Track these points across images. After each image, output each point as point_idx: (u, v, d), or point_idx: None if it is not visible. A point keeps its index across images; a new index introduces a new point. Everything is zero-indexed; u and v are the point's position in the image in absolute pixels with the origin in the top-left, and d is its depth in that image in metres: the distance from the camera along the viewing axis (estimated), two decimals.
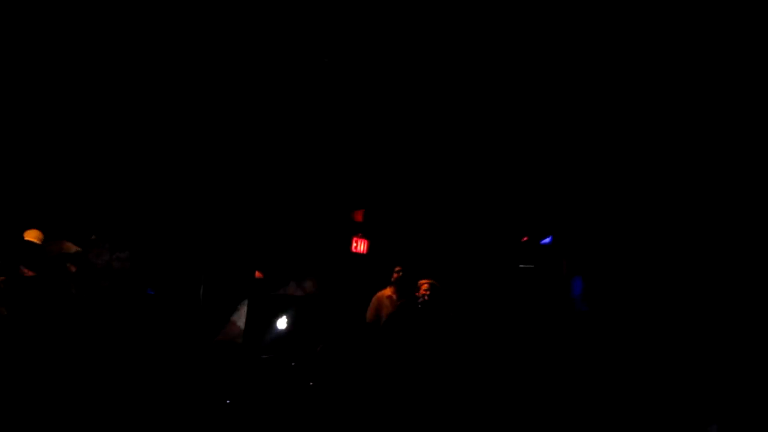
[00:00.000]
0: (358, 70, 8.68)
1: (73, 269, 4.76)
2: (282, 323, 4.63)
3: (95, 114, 8.68)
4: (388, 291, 7.62)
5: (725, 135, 8.29)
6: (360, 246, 10.76)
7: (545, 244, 7.09)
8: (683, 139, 8.49)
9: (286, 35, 7.86)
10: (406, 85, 8.88)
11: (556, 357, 5.81)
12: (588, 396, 5.38)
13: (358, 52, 8.36)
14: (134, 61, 8.12)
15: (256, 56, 8.33)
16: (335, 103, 9.15)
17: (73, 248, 4.90)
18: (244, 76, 8.60)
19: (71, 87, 8.31)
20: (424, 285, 6.06)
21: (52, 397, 3.63)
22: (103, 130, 8.80)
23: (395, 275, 7.67)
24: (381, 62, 8.46)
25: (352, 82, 8.93)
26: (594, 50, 7.75)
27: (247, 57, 8.30)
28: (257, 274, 7.24)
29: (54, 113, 8.51)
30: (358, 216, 10.50)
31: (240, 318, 4.72)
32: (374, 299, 7.59)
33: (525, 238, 7.77)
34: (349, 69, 8.60)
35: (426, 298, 5.87)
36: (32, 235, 5.73)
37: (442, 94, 8.96)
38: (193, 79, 8.49)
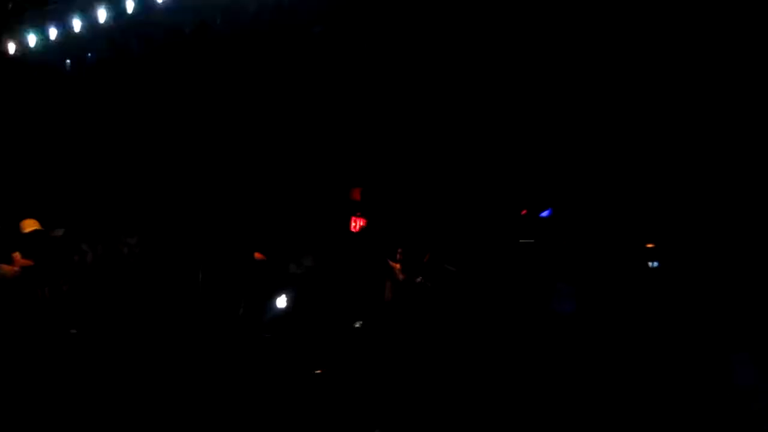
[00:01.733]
0: (355, 48, 8.62)
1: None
2: (282, 302, 4.63)
3: (97, 107, 8.68)
4: (397, 266, 7.73)
5: (726, 123, 8.26)
6: (359, 225, 10.72)
7: (544, 217, 7.07)
8: (681, 123, 8.46)
9: (281, 13, 7.81)
10: (402, 64, 8.82)
11: (553, 336, 5.83)
12: (585, 380, 5.39)
13: (354, 30, 8.30)
14: (134, 59, 8.12)
15: (253, 35, 8.28)
16: (332, 83, 9.09)
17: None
18: (241, 56, 8.54)
19: (77, 83, 8.31)
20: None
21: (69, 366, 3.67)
22: (104, 120, 8.80)
23: (398, 256, 7.79)
24: (378, 41, 8.40)
25: (348, 61, 8.87)
26: (592, 38, 7.72)
27: (244, 36, 8.24)
28: (257, 255, 7.23)
29: (59, 110, 8.51)
30: (356, 194, 10.45)
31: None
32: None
33: (524, 212, 7.75)
34: (345, 47, 8.54)
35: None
36: (30, 225, 5.69)
37: (439, 71, 8.90)
38: (190, 69, 8.46)
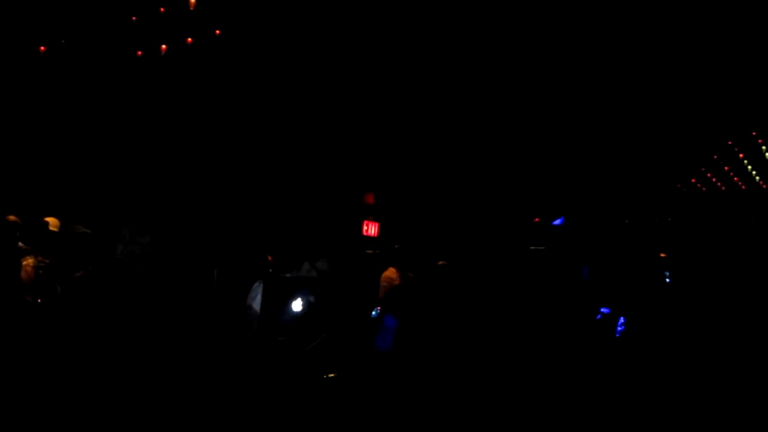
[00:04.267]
0: (370, 55, 8.66)
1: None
2: (297, 305, 4.66)
3: (114, 105, 8.75)
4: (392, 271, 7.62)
5: (726, 119, 8.25)
6: (371, 229, 10.76)
7: (557, 225, 7.07)
8: (688, 125, 8.45)
9: (295, 21, 7.86)
10: (416, 70, 8.86)
11: (563, 343, 5.82)
12: (593, 385, 5.39)
13: (369, 38, 8.34)
14: (141, 57, 8.17)
15: (267, 40, 8.33)
16: (347, 88, 9.14)
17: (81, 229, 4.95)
18: (255, 61, 8.60)
19: (85, 83, 8.38)
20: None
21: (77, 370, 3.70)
22: (120, 120, 8.87)
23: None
24: (392, 47, 8.44)
25: (363, 67, 8.91)
26: (605, 43, 7.72)
27: (257, 40, 8.30)
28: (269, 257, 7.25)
29: (73, 106, 8.58)
30: (369, 199, 10.50)
31: (255, 301, 4.74)
32: (383, 278, 7.58)
33: (537, 219, 7.77)
34: (360, 53, 8.58)
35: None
36: (52, 224, 5.75)
37: (453, 78, 8.93)
38: (203, 67, 8.51)
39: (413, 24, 8.24)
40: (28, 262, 4.96)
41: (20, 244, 4.88)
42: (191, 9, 7.49)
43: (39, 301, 5.05)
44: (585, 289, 6.95)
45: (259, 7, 7.89)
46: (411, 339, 4.84)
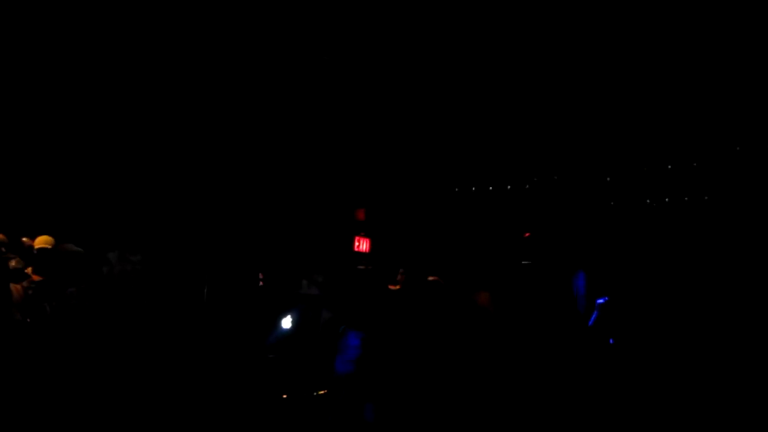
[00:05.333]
0: (359, 71, 8.70)
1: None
2: (287, 322, 4.66)
3: (101, 119, 8.72)
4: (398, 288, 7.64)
5: (725, 135, 8.32)
6: (362, 245, 10.78)
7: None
8: (683, 140, 8.53)
9: (288, 34, 7.88)
10: (406, 86, 8.91)
11: (557, 355, 5.83)
12: (588, 394, 5.39)
13: (359, 52, 8.38)
14: (137, 63, 8.16)
15: (258, 57, 8.36)
16: (336, 104, 9.17)
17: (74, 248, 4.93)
18: (247, 77, 8.62)
19: (77, 92, 8.35)
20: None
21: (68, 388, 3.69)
22: (110, 135, 8.84)
23: (400, 277, 7.68)
24: (382, 63, 8.48)
25: (352, 82, 8.95)
26: (593, 58, 7.80)
27: (249, 58, 8.32)
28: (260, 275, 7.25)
29: (59, 119, 8.55)
30: (360, 215, 10.52)
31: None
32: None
33: (527, 234, 7.78)
34: (349, 69, 8.62)
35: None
36: (43, 241, 5.73)
37: (442, 94, 8.98)
38: (196, 82, 8.52)
39: (400, 42, 8.29)
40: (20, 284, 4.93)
41: (13, 263, 4.85)
42: None
43: (28, 320, 5.02)
44: (576, 302, 6.96)
45: (234, 33, 7.92)
46: (377, 360, 4.58)
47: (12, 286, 4.82)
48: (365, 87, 8.97)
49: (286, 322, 4.77)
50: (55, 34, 7.60)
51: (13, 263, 4.76)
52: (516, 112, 8.99)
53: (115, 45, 7.86)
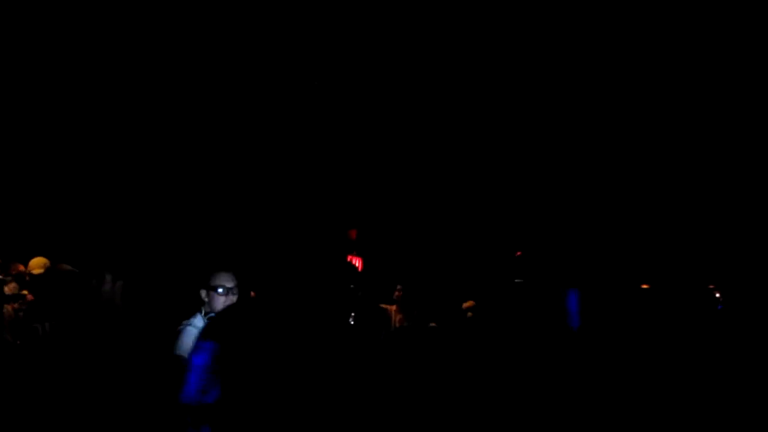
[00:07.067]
0: (350, 89, 8.76)
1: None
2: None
3: (92, 130, 8.70)
4: (392, 308, 7.58)
5: (715, 152, 8.40)
6: (354, 264, 10.74)
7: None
8: (677, 151, 8.60)
9: (282, 52, 7.93)
10: (398, 103, 8.96)
11: (551, 372, 5.81)
12: (582, 408, 5.38)
13: (350, 71, 8.44)
14: (134, 72, 8.17)
15: (251, 76, 8.40)
16: (327, 122, 9.21)
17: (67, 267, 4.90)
18: (238, 95, 8.65)
19: (72, 103, 8.34)
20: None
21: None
22: (102, 148, 8.83)
23: (397, 293, 7.63)
24: (373, 80, 8.54)
25: (343, 100, 9.00)
26: (587, 66, 7.87)
27: (241, 77, 8.36)
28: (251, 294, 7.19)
29: (51, 129, 8.53)
30: (352, 234, 10.51)
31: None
32: (383, 311, 7.54)
33: (519, 253, 7.80)
34: (341, 87, 8.68)
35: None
36: (37, 264, 5.68)
37: (433, 110, 9.04)
38: (190, 97, 8.54)
39: (390, 62, 8.36)
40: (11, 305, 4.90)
41: (10, 287, 4.82)
42: None
43: (18, 342, 4.97)
44: (569, 321, 6.95)
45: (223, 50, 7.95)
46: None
47: (3, 307, 4.78)
48: (355, 106, 9.02)
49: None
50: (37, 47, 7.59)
51: (10, 287, 4.74)
52: (506, 131, 9.06)
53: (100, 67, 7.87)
